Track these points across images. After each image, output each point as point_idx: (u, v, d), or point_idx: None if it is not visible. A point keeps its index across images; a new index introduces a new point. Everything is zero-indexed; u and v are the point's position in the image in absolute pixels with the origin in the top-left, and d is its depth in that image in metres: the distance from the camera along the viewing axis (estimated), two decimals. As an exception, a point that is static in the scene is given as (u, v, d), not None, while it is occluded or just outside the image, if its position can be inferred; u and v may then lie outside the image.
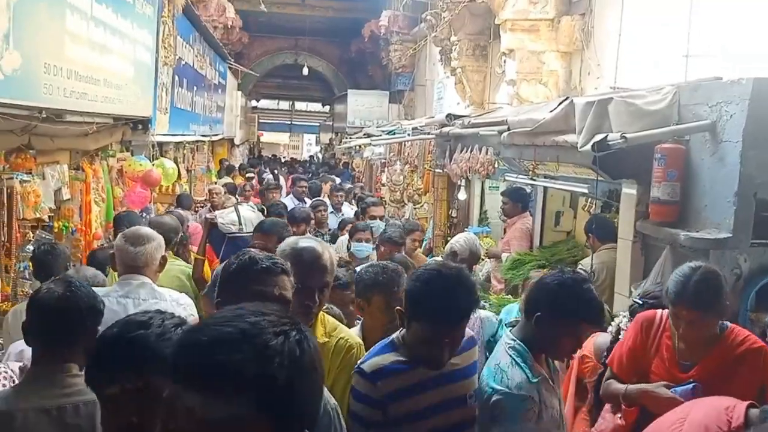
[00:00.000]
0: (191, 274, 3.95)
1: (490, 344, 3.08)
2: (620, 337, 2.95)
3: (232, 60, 15.31)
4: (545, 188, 5.57)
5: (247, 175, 12.43)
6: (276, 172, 15.96)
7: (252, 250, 2.03)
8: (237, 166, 14.92)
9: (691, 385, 2.47)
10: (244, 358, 0.94)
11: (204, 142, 12.15)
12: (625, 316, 3.08)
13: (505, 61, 7.49)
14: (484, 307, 4.59)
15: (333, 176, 12.44)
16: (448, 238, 6.28)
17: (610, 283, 4.26)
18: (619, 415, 2.77)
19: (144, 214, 6.09)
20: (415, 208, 9.27)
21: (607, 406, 2.89)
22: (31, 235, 4.44)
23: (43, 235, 4.56)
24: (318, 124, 30.38)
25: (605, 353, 2.96)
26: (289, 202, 7.79)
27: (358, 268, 3.20)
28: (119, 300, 2.79)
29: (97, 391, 1.53)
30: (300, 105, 32.26)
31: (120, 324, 1.55)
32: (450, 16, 9.16)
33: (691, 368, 2.59)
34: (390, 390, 2.10)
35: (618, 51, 5.33)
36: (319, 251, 2.29)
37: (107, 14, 4.96)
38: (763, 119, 3.06)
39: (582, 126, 3.69)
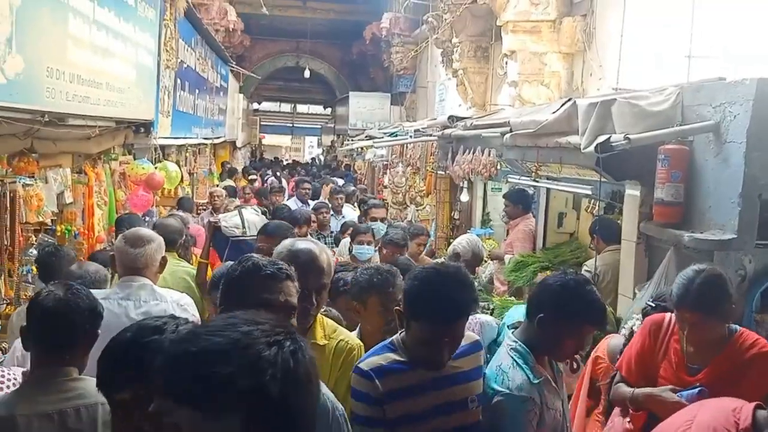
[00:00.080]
0: (195, 277, 3.94)
1: (491, 349, 3.07)
2: None
3: (234, 63, 15.33)
4: (548, 190, 5.56)
5: (250, 177, 12.45)
6: (278, 174, 15.98)
7: (255, 255, 1.99)
8: (240, 169, 14.94)
9: (697, 389, 2.46)
10: (234, 371, 0.89)
11: (206, 144, 12.16)
12: (638, 319, 3.07)
13: (506, 63, 7.48)
14: (486, 310, 4.58)
15: (335, 178, 12.44)
16: (451, 240, 6.27)
17: (615, 284, 4.25)
18: (628, 419, 2.76)
19: (146, 218, 6.10)
20: (417, 210, 9.27)
21: (617, 410, 2.88)
22: (34, 238, 4.44)
23: (46, 239, 4.56)
24: (320, 127, 30.42)
25: (618, 355, 2.95)
26: (293, 204, 7.79)
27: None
28: (120, 302, 2.79)
29: (108, 397, 1.51)
30: (302, 107, 32.27)
31: (134, 329, 1.54)
32: (451, 18, 9.16)
33: (699, 372, 2.58)
34: (389, 389, 2.09)
35: (620, 52, 5.32)
36: (315, 253, 2.28)
37: (109, 18, 4.97)
38: (768, 120, 3.06)
39: (585, 127, 3.69)
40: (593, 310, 2.24)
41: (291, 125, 32.79)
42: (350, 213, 7.84)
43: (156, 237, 3.05)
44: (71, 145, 5.08)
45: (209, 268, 4.08)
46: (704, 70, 4.01)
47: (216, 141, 13.29)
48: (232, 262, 2.65)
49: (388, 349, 2.19)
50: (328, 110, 28.20)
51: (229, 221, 4.61)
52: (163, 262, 3.03)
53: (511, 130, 4.96)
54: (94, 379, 1.92)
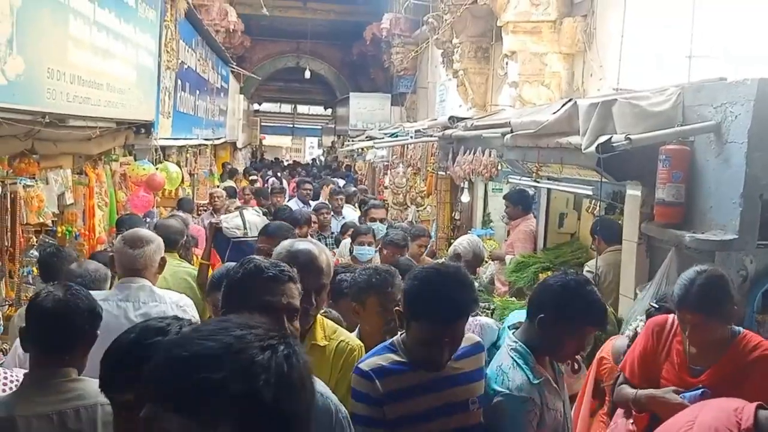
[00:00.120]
0: (196, 278, 3.94)
1: (491, 352, 3.07)
2: None
3: (234, 63, 15.34)
4: (549, 190, 5.56)
5: (251, 178, 12.45)
6: (279, 175, 15.98)
7: (257, 257, 1.96)
8: (242, 169, 14.94)
9: (700, 391, 2.45)
10: (226, 375, 0.87)
11: (206, 145, 12.16)
12: (642, 320, 3.07)
13: (507, 63, 7.48)
14: (487, 311, 4.58)
15: (336, 179, 12.44)
16: (452, 241, 6.27)
17: (616, 285, 4.24)
18: (631, 421, 2.76)
19: (147, 219, 6.10)
20: (418, 211, 9.27)
21: (620, 411, 2.88)
22: (35, 240, 4.44)
23: (47, 240, 4.56)
24: (320, 127, 30.41)
25: (622, 356, 2.95)
26: (294, 205, 7.79)
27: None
28: (119, 304, 2.79)
29: (111, 398, 1.51)
30: (302, 108, 32.28)
31: (137, 330, 1.54)
32: (452, 19, 9.16)
33: (701, 373, 2.57)
34: (389, 390, 2.09)
35: (620, 52, 5.32)
36: (315, 253, 2.28)
37: (110, 19, 4.97)
38: (769, 120, 3.05)
39: (586, 128, 3.68)
40: (594, 311, 2.24)
41: (291, 126, 32.79)
42: (351, 214, 7.83)
43: (155, 238, 3.05)
44: (72, 146, 5.08)
45: (210, 270, 4.08)
46: (705, 70, 4.00)
47: (216, 142, 13.29)
48: (231, 263, 2.66)
49: (388, 349, 2.18)
50: (329, 111, 28.21)
51: (230, 222, 4.61)
52: (162, 262, 3.03)
53: (511, 131, 4.95)
54: (94, 380, 1.93)
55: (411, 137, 8.86)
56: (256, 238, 4.08)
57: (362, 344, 2.43)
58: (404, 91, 15.50)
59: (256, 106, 27.62)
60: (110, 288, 3.08)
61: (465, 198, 7.25)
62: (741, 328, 2.63)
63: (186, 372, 0.88)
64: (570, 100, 4.30)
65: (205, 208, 8.74)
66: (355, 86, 20.24)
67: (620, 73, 5.28)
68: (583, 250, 5.38)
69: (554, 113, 4.25)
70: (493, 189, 7.57)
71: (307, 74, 19.53)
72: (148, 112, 6.42)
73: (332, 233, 6.80)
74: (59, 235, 4.96)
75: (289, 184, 12.85)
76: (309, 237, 5.19)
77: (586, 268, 4.53)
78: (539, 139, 4.50)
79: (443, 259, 5.36)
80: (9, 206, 4.09)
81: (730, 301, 2.50)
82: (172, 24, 7.45)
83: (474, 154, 6.10)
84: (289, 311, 1.80)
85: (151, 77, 6.57)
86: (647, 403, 2.62)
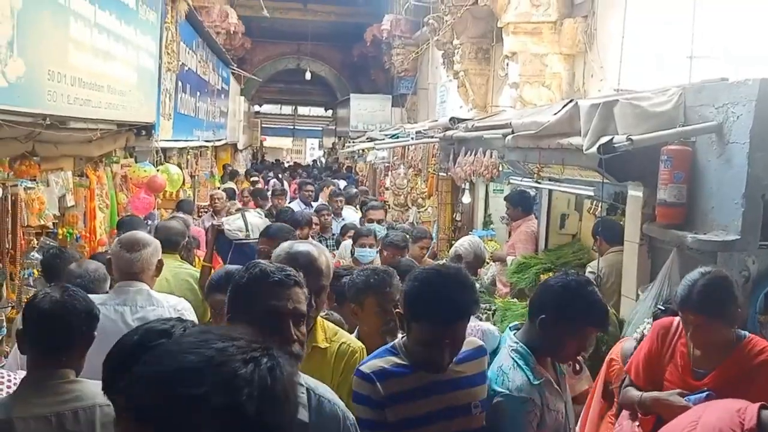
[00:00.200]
0: (198, 280, 3.94)
1: (491, 358, 3.07)
2: None
3: (235, 65, 15.35)
4: (550, 191, 5.56)
5: (252, 179, 12.45)
6: (280, 176, 15.98)
7: (263, 261, 1.93)
8: (243, 171, 14.94)
9: (704, 394, 2.44)
10: (208, 390, 0.85)
11: (207, 147, 12.16)
12: (649, 323, 3.06)
13: (507, 64, 7.48)
14: (488, 311, 4.57)
15: (337, 180, 12.43)
16: (453, 242, 6.26)
17: (618, 286, 4.23)
18: (637, 423, 2.75)
19: (148, 220, 6.10)
20: (419, 212, 9.27)
21: (625, 413, 2.88)
22: (36, 242, 4.44)
23: (48, 242, 4.56)
24: (321, 129, 30.41)
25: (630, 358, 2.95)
26: (296, 206, 7.79)
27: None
28: (116, 308, 2.78)
29: (113, 400, 1.50)
30: (303, 109, 32.29)
31: (141, 332, 1.54)
32: (452, 20, 9.16)
33: (704, 376, 2.56)
34: (390, 392, 2.08)
35: (621, 53, 5.31)
36: (314, 254, 2.27)
37: (110, 21, 4.97)
38: (771, 120, 3.04)
39: (587, 128, 3.68)
40: (595, 311, 2.23)
41: (292, 127, 32.79)
42: (352, 216, 7.82)
43: (152, 241, 3.03)
44: (73, 148, 5.08)
45: (212, 272, 4.07)
46: (705, 70, 4.00)
47: (217, 143, 13.29)
48: (230, 265, 2.65)
49: (389, 352, 2.18)
50: (329, 112, 28.22)
51: (232, 224, 4.61)
52: (160, 265, 3.01)
53: (512, 132, 4.95)
54: (92, 382, 1.93)
55: (412, 138, 8.86)
56: (258, 240, 4.08)
57: (363, 346, 2.43)
58: (405, 93, 15.51)
59: (256, 108, 27.64)
60: (109, 288, 3.07)
61: (466, 199, 7.24)
62: (747, 332, 2.61)
63: (168, 387, 0.86)
64: (571, 101, 4.29)
65: (206, 210, 8.75)
66: (356, 87, 20.25)
67: (621, 74, 5.28)
68: (585, 251, 5.37)
69: (555, 114, 4.25)
70: (494, 190, 7.56)
71: (308, 76, 19.55)
72: (148, 114, 6.42)
73: (333, 234, 6.81)
74: (60, 237, 4.96)
75: (290, 186, 12.86)
76: (310, 238, 5.20)
77: (587, 269, 4.52)
78: (540, 140, 4.50)
79: (444, 260, 5.36)
80: (10, 208, 4.09)
81: (733, 303, 2.48)
82: (172, 26, 7.45)
83: (475, 155, 6.10)
84: (295, 316, 1.77)
85: (152, 79, 6.58)
86: (652, 405, 2.61)
